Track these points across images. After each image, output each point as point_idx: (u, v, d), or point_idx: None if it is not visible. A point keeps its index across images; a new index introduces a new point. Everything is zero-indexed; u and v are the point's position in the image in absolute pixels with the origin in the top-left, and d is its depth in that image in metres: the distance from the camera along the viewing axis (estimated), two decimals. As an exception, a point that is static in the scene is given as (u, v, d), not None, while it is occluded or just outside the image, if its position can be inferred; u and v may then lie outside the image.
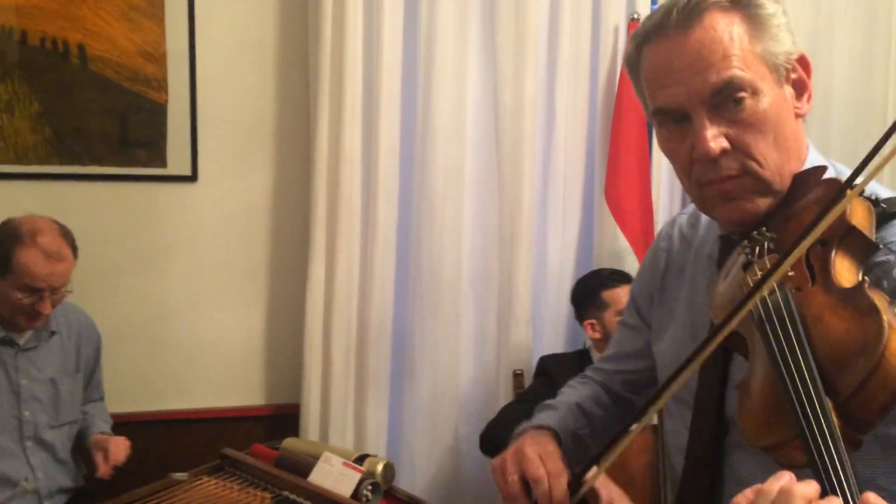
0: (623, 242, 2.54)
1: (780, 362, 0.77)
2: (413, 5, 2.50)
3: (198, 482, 1.73)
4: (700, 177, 0.95)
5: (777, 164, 0.94)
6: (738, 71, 0.91)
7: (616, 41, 2.62)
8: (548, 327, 2.64)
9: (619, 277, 2.39)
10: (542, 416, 1.21)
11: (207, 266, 2.58)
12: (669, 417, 1.13)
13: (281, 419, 2.60)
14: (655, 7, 2.61)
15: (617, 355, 1.28)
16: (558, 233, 2.65)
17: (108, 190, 2.51)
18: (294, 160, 2.59)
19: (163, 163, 2.52)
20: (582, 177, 2.69)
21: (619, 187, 2.53)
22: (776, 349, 0.78)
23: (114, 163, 2.50)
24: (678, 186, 2.78)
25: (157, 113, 2.50)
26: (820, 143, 2.94)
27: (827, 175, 0.94)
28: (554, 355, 2.52)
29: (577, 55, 2.62)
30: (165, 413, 2.56)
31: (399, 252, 2.56)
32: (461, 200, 2.57)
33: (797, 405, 0.73)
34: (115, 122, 2.48)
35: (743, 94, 0.91)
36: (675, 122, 0.95)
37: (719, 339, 0.84)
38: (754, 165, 0.93)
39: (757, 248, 0.90)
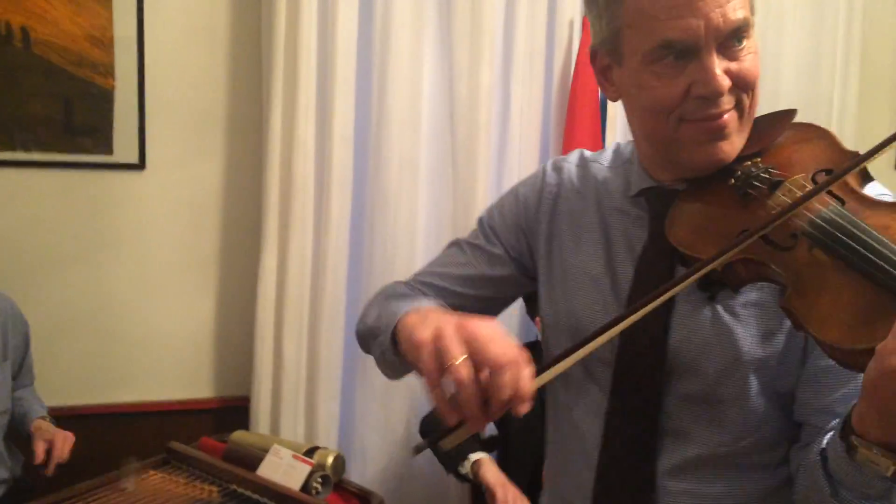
0: (576, 236, 2.55)
1: (871, 264, 0.78)
2: (368, -7, 2.47)
3: (143, 476, 1.69)
4: (691, 114, 0.92)
5: (757, 106, 0.97)
6: (747, 11, 0.92)
7: (571, 35, 2.63)
8: (500, 318, 2.63)
9: None
10: (423, 301, 1.09)
11: (155, 256, 2.52)
12: (566, 388, 1.11)
13: (230, 412, 2.56)
14: None
15: (462, 277, 1.17)
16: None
17: (53, 178, 2.43)
18: (246, 149, 2.54)
19: (109, 150, 2.45)
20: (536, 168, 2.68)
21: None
22: (861, 254, 0.79)
23: (59, 150, 2.42)
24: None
25: (104, 99, 2.43)
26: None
27: None
28: None
29: (532, 48, 2.62)
30: (111, 406, 2.50)
31: (352, 243, 2.53)
32: (416, 191, 2.56)
33: None
34: (60, 108, 2.41)
35: (746, 34, 0.92)
36: (675, 57, 0.91)
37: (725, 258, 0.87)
38: (746, 104, 0.95)
39: (749, 177, 0.93)
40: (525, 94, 2.62)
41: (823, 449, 0.87)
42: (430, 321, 0.87)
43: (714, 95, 0.91)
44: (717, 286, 0.95)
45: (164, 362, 2.57)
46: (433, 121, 2.58)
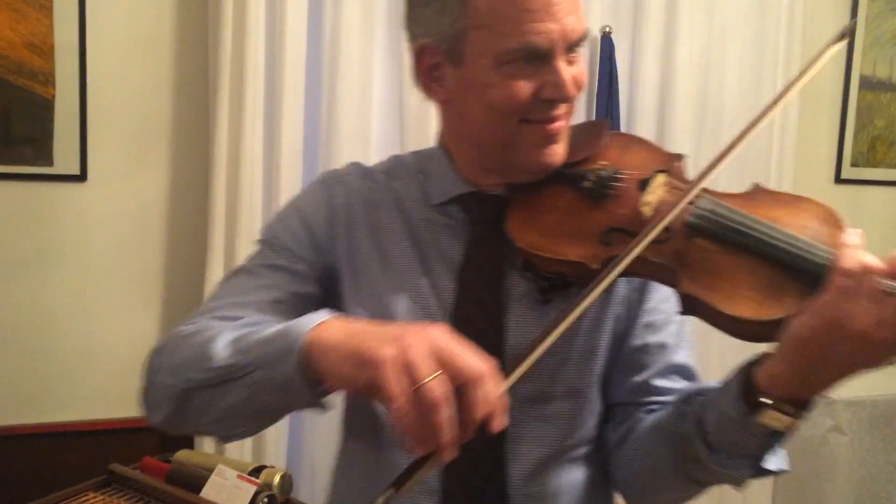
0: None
1: (759, 242, 0.86)
2: (317, 4, 2.45)
3: (83, 498, 1.64)
4: (534, 116, 0.95)
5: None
6: (587, 21, 0.98)
7: (520, 48, 2.64)
8: None
9: None
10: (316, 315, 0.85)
11: (97, 270, 2.45)
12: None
13: (176, 429, 2.49)
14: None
15: (272, 302, 1.01)
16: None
17: (-11, 189, 2.35)
18: (191, 160, 2.49)
19: (49, 161, 2.38)
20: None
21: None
22: (749, 235, 0.87)
23: (-5, 160, 2.34)
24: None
25: (44, 108, 2.36)
26: (712, 151, 3.06)
27: None
28: None
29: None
30: (50, 426, 2.42)
31: (301, 256, 2.50)
32: (365, 204, 2.53)
33: (800, 264, 0.83)
34: (-3, 117, 2.33)
35: (584, 42, 0.98)
36: (526, 60, 0.92)
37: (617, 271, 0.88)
38: (572, 110, 1.00)
39: (599, 180, 0.98)
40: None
41: (699, 418, 0.91)
42: (376, 333, 0.74)
43: (563, 99, 0.95)
44: (559, 290, 0.99)
45: (106, 379, 2.49)
46: (383, 133, 2.56)
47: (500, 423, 0.73)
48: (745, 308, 0.84)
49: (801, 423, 0.82)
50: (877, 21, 3.25)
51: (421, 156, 1.14)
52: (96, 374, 2.48)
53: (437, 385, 0.69)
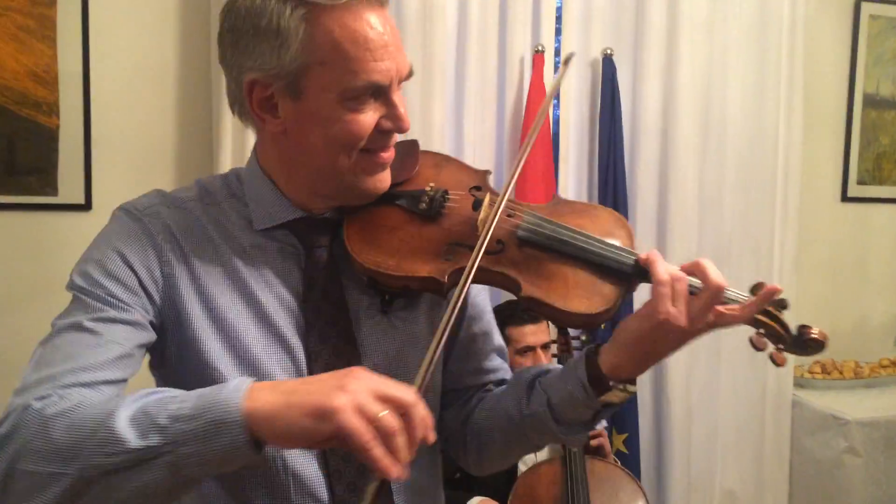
0: (531, 270, 2.54)
1: (577, 248, 1.03)
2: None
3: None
4: (372, 145, 1.02)
5: None
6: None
7: (522, 71, 2.66)
8: None
9: (529, 316, 2.36)
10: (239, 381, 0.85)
11: (102, 299, 2.45)
12: None
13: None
14: (559, 38, 2.67)
15: (118, 359, 0.97)
16: (467, 261, 2.64)
17: (-6, 220, 2.37)
18: (195, 188, 2.50)
19: (54, 191, 2.39)
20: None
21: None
22: (570, 243, 1.04)
23: (1, 191, 2.36)
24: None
25: (48, 138, 2.38)
26: (716, 170, 3.03)
27: None
28: None
29: (483, 85, 2.63)
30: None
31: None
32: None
33: (613, 265, 1.03)
34: (2, 148, 2.35)
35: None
36: (371, 96, 1.00)
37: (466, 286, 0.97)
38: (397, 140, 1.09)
39: (433, 202, 1.09)
40: (478, 131, 2.63)
41: (548, 400, 1.07)
42: (314, 387, 0.81)
43: (401, 130, 1.04)
44: (398, 300, 1.10)
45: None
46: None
47: (433, 436, 0.83)
48: (579, 304, 1.00)
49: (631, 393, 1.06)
50: (878, 39, 3.27)
51: (229, 181, 1.12)
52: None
53: (390, 417, 0.78)
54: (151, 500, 0.83)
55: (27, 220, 2.39)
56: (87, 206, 2.42)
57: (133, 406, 0.84)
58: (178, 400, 0.83)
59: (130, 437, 0.81)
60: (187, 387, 0.87)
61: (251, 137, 2.39)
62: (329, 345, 1.03)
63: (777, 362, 1.05)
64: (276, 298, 1.05)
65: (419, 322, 1.12)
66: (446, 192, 1.11)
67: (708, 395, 2.96)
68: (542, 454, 2.30)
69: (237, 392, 0.81)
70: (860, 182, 3.31)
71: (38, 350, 0.99)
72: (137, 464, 0.81)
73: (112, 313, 0.98)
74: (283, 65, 0.96)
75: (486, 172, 1.17)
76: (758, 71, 2.96)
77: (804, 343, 1.04)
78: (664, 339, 0.99)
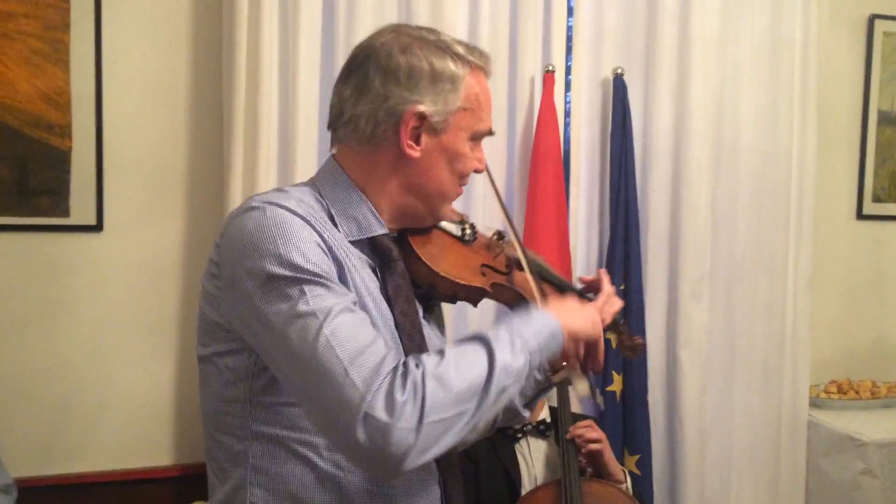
0: (542, 292, 2.55)
1: (549, 274, 1.46)
2: (329, 54, 2.49)
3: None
4: (463, 183, 1.30)
5: None
6: None
7: (532, 92, 2.67)
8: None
9: None
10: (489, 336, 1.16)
11: (113, 320, 2.48)
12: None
13: (191, 480, 2.49)
14: (570, 57, 2.68)
15: (400, 328, 1.25)
16: (478, 281, 2.65)
17: (8, 240, 2.40)
18: (206, 210, 2.52)
19: (65, 212, 2.42)
20: (501, 225, 2.70)
21: (537, 235, 2.56)
22: (546, 269, 1.46)
23: (12, 213, 2.39)
24: (595, 234, 2.83)
25: (60, 160, 2.41)
26: (729, 190, 3.04)
27: None
28: None
29: (495, 104, 2.57)
30: (67, 477, 2.42)
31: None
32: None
33: (563, 285, 1.47)
34: (15, 169, 2.38)
35: None
36: (479, 141, 1.29)
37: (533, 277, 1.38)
38: None
39: (470, 230, 1.40)
40: (489, 151, 2.62)
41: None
42: (579, 310, 1.27)
43: (479, 172, 1.32)
44: (434, 310, 1.40)
45: (122, 429, 2.51)
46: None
47: None
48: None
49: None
50: (893, 56, 3.27)
51: (316, 192, 1.24)
52: (112, 424, 2.49)
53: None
54: (492, 424, 1.26)
55: (39, 241, 2.42)
56: (98, 227, 2.44)
57: (502, 338, 1.10)
58: (521, 325, 1.14)
59: (513, 360, 1.09)
60: None
61: (262, 162, 2.42)
62: (414, 343, 1.23)
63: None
64: (373, 300, 1.20)
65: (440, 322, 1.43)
66: (474, 224, 1.42)
67: (722, 415, 2.95)
68: (541, 473, 2.30)
69: (548, 315, 1.19)
70: (875, 200, 3.30)
71: (325, 346, 1.04)
72: (517, 379, 1.10)
73: (349, 296, 1.12)
74: (440, 105, 1.20)
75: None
76: (770, 89, 2.96)
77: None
78: (595, 334, 1.33)
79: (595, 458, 2.27)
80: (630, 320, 2.71)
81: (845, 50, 3.21)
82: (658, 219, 2.82)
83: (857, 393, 3.15)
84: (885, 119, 3.28)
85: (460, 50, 1.23)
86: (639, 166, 2.80)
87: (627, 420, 2.70)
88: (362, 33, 2.45)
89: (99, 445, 2.48)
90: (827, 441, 3.00)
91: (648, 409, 2.75)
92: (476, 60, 1.25)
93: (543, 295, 1.35)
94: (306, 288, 1.06)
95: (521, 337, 1.11)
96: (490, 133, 1.28)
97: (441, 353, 1.07)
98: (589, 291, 1.45)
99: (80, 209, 2.43)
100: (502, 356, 1.07)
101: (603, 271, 1.47)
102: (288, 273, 1.06)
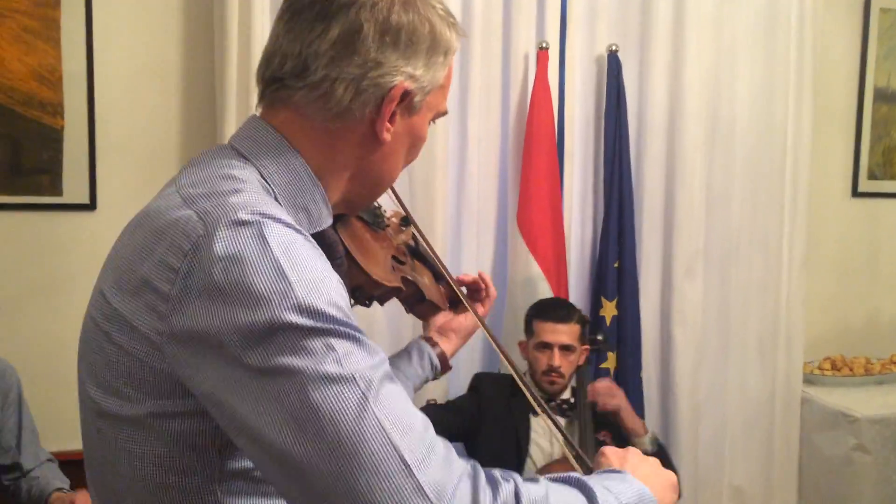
0: (535, 269, 2.58)
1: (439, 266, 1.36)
2: (323, 30, 2.50)
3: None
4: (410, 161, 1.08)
5: None
6: None
7: (526, 69, 2.69)
8: (461, 354, 2.60)
9: (558, 314, 2.39)
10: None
11: (108, 299, 2.50)
12: None
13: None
14: (564, 35, 2.70)
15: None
16: (472, 260, 2.69)
17: (1, 220, 2.42)
18: (200, 188, 2.54)
19: (59, 191, 2.45)
20: (495, 203, 2.73)
21: (531, 213, 2.59)
22: (436, 260, 1.36)
23: (6, 191, 2.42)
24: (589, 212, 2.86)
25: (53, 139, 2.43)
26: (724, 167, 3.05)
27: None
28: (489, 374, 2.57)
29: (488, 82, 2.67)
30: (58, 454, 2.45)
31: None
32: (374, 228, 2.57)
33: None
34: (8, 148, 2.41)
35: None
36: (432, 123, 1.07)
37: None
38: None
39: (381, 216, 1.27)
40: (482, 129, 2.67)
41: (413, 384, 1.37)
42: (659, 475, 1.04)
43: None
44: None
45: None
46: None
47: None
48: (438, 298, 1.36)
49: None
50: (889, 33, 3.28)
51: (257, 173, 0.95)
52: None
53: None
54: None
55: (32, 219, 2.45)
56: (91, 206, 2.48)
57: (600, 494, 0.88)
58: (614, 482, 0.93)
59: None
60: None
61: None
62: None
63: None
64: None
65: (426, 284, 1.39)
66: (382, 210, 1.26)
67: (716, 392, 3.01)
68: (557, 450, 2.35)
69: (637, 482, 0.95)
70: (871, 177, 3.34)
71: (374, 430, 0.74)
72: None
73: (380, 351, 0.83)
74: (433, 82, 0.99)
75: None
76: (766, 66, 2.98)
77: None
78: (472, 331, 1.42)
79: (613, 415, 2.38)
80: (624, 298, 2.75)
81: (842, 26, 3.22)
82: (652, 196, 2.86)
83: (850, 369, 3.20)
84: (881, 96, 3.30)
85: (452, 15, 1.02)
86: (633, 144, 2.82)
87: (621, 397, 2.75)
88: (355, 10, 2.48)
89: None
90: (820, 417, 3.05)
91: (642, 387, 2.80)
92: (463, 32, 1.05)
93: (441, 293, 1.36)
94: (334, 342, 0.76)
95: (618, 498, 0.89)
96: (444, 114, 1.08)
97: (535, 480, 0.85)
98: (471, 291, 1.41)
99: (74, 188, 2.46)
100: None
101: (483, 273, 1.43)
102: (309, 323, 0.76)
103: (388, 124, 0.96)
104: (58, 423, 2.47)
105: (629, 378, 2.75)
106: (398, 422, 0.75)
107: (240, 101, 2.42)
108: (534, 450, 2.38)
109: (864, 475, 2.90)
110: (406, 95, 0.96)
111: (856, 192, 3.33)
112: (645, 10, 2.83)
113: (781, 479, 3.10)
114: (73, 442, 2.44)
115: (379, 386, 0.76)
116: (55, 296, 2.47)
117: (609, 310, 2.74)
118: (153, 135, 2.53)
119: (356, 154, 0.98)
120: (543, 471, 2.25)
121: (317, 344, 0.75)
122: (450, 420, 2.36)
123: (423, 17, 0.96)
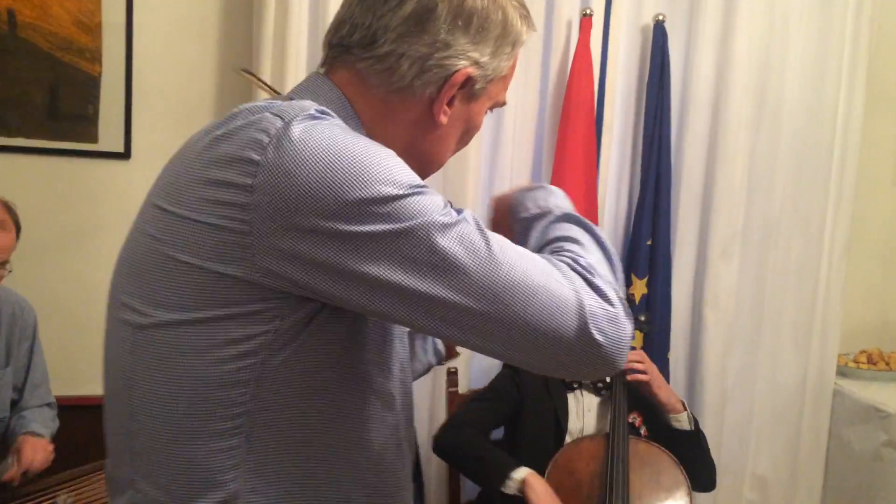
0: (566, 240, 2.61)
1: None
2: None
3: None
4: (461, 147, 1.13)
5: None
6: None
7: (569, 36, 2.71)
8: None
9: None
10: None
11: (137, 248, 2.59)
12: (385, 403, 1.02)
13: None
14: (610, 1, 2.70)
15: None
16: (503, 229, 2.71)
17: (35, 164, 2.52)
18: (233, 141, 2.60)
19: (94, 138, 2.53)
20: (529, 173, 2.76)
21: (565, 185, 2.61)
22: None
23: (42, 136, 2.51)
24: (625, 186, 2.88)
25: (90, 86, 2.51)
26: (769, 147, 3.02)
27: None
28: None
29: (528, 48, 2.68)
30: (91, 398, 2.55)
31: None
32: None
33: None
34: (45, 93, 2.49)
35: None
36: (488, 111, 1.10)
37: None
38: None
39: None
40: (520, 96, 2.70)
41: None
42: None
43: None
44: None
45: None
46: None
47: None
48: None
49: None
50: (953, 14, 3.22)
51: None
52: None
53: None
54: None
55: (67, 165, 2.55)
56: (126, 154, 2.56)
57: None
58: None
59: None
60: None
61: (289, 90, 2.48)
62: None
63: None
64: None
65: None
66: None
67: (745, 378, 3.03)
68: (589, 428, 2.40)
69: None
70: (922, 165, 3.29)
71: (505, 251, 0.89)
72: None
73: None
74: (497, 71, 1.03)
75: None
76: (820, 42, 2.96)
77: None
78: None
79: (644, 389, 2.36)
80: (656, 276, 2.78)
81: (902, 2, 3.17)
82: (692, 173, 2.87)
83: (887, 364, 3.20)
84: (940, 80, 3.24)
85: (525, 6, 1.06)
86: (675, 118, 2.83)
87: (646, 376, 2.78)
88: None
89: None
90: (851, 410, 3.07)
91: (669, 367, 2.83)
92: (534, 25, 1.08)
93: None
94: (427, 201, 0.87)
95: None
96: (502, 105, 1.12)
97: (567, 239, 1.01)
98: None
99: (109, 136, 2.55)
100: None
101: None
102: (403, 191, 0.85)
103: (445, 107, 1.01)
104: (72, 368, 2.58)
105: (655, 358, 2.76)
106: (505, 240, 0.91)
107: (275, 57, 2.47)
108: (572, 425, 2.43)
109: (893, 472, 2.90)
110: (468, 81, 1.00)
111: (903, 181, 3.29)
112: (696, -22, 2.82)
113: (807, 471, 3.13)
114: (85, 386, 2.56)
115: (474, 220, 0.89)
116: (85, 243, 2.57)
117: (639, 288, 2.77)
118: (189, 87, 2.61)
119: (410, 131, 1.03)
120: (574, 444, 2.30)
121: (423, 202, 0.85)
122: (496, 409, 2.38)
123: (498, 5, 1.00)
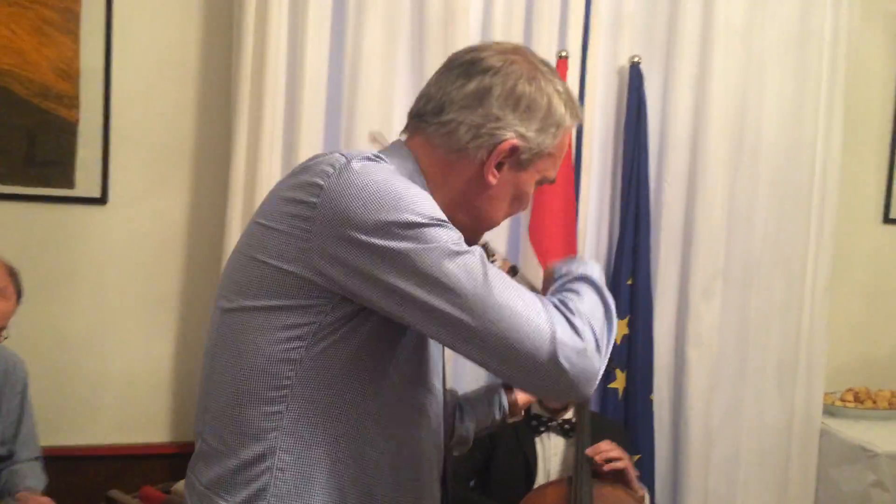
0: (544, 282, 2.67)
1: None
2: (339, 29, 2.65)
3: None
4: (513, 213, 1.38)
5: None
6: None
7: (546, 78, 2.78)
8: (468, 375, 2.66)
9: None
10: None
11: (114, 294, 2.66)
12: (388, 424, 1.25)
13: (186, 458, 2.62)
14: (585, 45, 2.79)
15: None
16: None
17: (13, 210, 2.59)
18: (211, 185, 2.70)
19: (70, 184, 2.60)
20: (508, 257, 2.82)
21: (544, 226, 2.68)
22: None
23: (18, 182, 2.58)
24: (605, 226, 2.96)
25: (67, 132, 2.59)
26: (748, 186, 3.08)
27: None
28: None
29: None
30: (60, 449, 2.59)
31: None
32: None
33: None
34: (22, 139, 2.57)
35: None
36: (538, 185, 1.36)
37: None
38: None
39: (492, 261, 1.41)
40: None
41: (475, 419, 1.64)
42: None
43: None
44: None
45: (120, 404, 2.70)
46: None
47: None
48: None
49: None
50: (927, 53, 3.33)
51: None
52: (112, 398, 2.69)
53: None
54: None
55: (44, 211, 2.61)
56: (103, 199, 2.63)
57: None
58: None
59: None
60: None
61: (266, 135, 2.56)
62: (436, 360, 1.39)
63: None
64: None
65: None
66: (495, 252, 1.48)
67: (730, 418, 3.08)
68: (555, 471, 2.44)
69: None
70: (904, 203, 3.38)
71: (498, 281, 1.12)
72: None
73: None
74: (536, 143, 1.27)
75: None
76: (796, 83, 3.05)
77: None
78: None
79: (618, 477, 2.36)
80: (637, 316, 2.84)
81: (877, 44, 3.29)
82: (672, 213, 2.95)
83: (874, 402, 3.26)
84: (918, 118, 3.35)
85: (572, 99, 1.32)
86: (654, 158, 2.92)
87: (629, 419, 2.85)
88: (373, 13, 2.61)
89: (97, 418, 2.68)
90: (839, 450, 3.11)
91: (652, 409, 2.88)
92: (579, 115, 1.34)
93: None
94: (444, 232, 1.12)
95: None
96: (552, 182, 1.36)
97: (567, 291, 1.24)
98: None
99: (86, 181, 2.62)
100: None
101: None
102: (426, 221, 1.12)
103: (494, 170, 1.27)
104: (55, 417, 2.61)
105: (639, 399, 2.83)
106: (500, 273, 1.15)
107: (252, 103, 2.55)
108: (540, 470, 2.47)
109: (881, 513, 2.94)
110: (514, 150, 1.26)
111: (887, 219, 3.38)
112: (671, 20, 2.92)
113: (796, 513, 3.15)
114: (68, 437, 2.58)
115: (479, 253, 1.14)
116: (63, 289, 2.62)
117: (620, 328, 2.82)
118: (167, 132, 2.68)
119: (464, 187, 1.29)
120: (538, 491, 2.34)
121: (440, 233, 1.11)
122: (471, 457, 2.43)
123: (543, 92, 1.27)
